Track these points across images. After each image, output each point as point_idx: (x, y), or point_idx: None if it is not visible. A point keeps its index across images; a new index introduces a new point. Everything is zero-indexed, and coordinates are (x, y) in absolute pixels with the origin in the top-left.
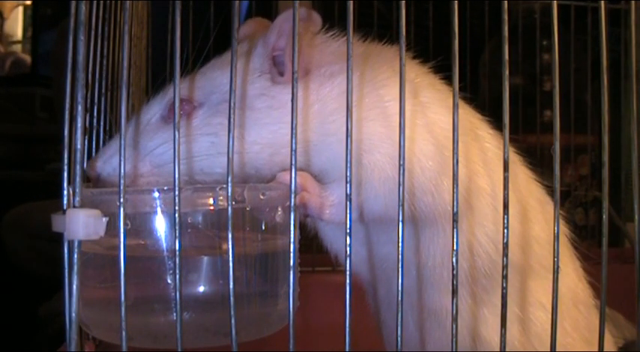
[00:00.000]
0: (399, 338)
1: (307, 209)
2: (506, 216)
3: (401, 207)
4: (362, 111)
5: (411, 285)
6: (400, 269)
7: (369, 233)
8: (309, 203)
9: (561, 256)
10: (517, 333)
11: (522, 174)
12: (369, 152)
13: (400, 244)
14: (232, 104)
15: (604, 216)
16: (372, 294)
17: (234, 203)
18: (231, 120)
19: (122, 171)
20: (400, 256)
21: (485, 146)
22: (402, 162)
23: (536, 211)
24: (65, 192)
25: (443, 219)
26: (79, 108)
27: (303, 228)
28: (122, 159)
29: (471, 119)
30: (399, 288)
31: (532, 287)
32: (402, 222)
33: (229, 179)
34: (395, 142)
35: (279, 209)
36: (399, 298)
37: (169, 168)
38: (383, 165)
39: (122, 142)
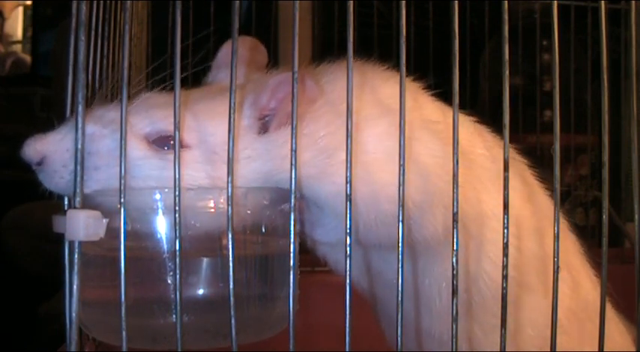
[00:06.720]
0: (399, 339)
1: (302, 223)
2: (505, 216)
3: (400, 207)
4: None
5: (411, 309)
6: (400, 270)
7: (368, 261)
8: (306, 217)
9: (574, 265)
10: None
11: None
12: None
13: (400, 245)
14: (232, 104)
15: (604, 216)
16: (373, 303)
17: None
18: (232, 119)
19: (122, 171)
20: (400, 255)
21: (485, 166)
22: (402, 162)
23: (549, 227)
24: None
25: (442, 248)
26: (79, 108)
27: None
28: (122, 158)
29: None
30: (399, 287)
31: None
32: (402, 222)
33: (229, 180)
34: (368, 183)
35: (279, 211)
36: (399, 298)
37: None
38: (367, 214)
39: (122, 143)
